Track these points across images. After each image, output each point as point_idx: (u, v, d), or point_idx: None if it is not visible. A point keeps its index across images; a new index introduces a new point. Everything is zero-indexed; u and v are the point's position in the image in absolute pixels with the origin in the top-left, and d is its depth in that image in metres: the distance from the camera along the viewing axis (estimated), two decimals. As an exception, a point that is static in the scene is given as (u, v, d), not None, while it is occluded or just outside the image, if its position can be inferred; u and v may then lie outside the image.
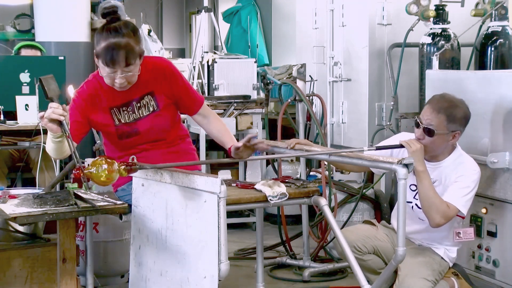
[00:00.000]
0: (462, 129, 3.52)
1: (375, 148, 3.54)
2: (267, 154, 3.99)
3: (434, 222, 3.41)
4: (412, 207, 3.58)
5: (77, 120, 3.37)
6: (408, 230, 3.46)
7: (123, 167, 3.06)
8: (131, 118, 3.46)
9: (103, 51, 3.21)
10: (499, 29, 4.58)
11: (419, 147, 3.44)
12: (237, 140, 5.99)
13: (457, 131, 3.49)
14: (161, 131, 3.51)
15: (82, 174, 2.99)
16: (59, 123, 3.08)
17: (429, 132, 3.47)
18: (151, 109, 3.46)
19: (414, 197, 3.57)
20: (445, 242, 3.59)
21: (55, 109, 3.05)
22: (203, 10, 6.80)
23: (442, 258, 3.56)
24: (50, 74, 3.13)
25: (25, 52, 5.40)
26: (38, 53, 5.44)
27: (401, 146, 3.51)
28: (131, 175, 3.36)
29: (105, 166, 3.01)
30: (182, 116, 5.64)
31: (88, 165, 3.04)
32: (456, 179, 3.48)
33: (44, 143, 4.62)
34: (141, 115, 3.46)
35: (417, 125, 3.53)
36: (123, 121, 3.45)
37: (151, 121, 3.46)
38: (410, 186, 3.52)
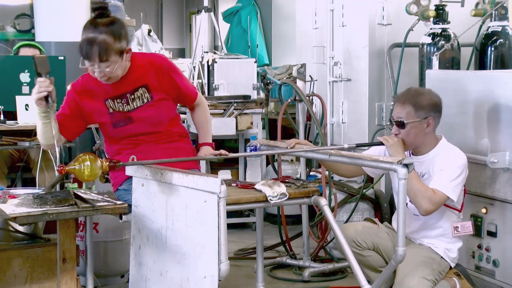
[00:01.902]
0: (434, 114, 3.56)
1: (355, 145, 3.56)
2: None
3: (422, 208, 3.44)
4: (406, 204, 3.59)
5: (65, 113, 3.50)
6: (407, 230, 3.47)
7: (106, 163, 3.11)
8: (125, 109, 3.53)
9: (80, 44, 3.34)
10: (499, 29, 4.58)
11: (396, 140, 3.51)
12: (236, 140, 6.05)
13: (428, 117, 3.54)
14: (156, 122, 3.55)
15: (65, 171, 3.05)
16: (46, 98, 3.23)
17: (400, 124, 3.54)
18: (145, 100, 3.53)
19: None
20: (444, 239, 3.59)
21: (41, 83, 3.21)
22: (203, 10, 6.81)
23: (442, 257, 3.56)
24: (45, 55, 3.31)
25: (24, 52, 5.39)
26: (38, 53, 5.43)
27: (380, 143, 3.58)
28: (127, 174, 3.40)
29: (88, 162, 3.07)
30: (182, 116, 5.68)
31: (72, 161, 3.09)
32: (442, 167, 3.51)
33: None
34: (135, 106, 3.52)
35: (391, 123, 3.62)
36: (117, 110, 3.52)
37: (144, 110, 3.52)
38: None
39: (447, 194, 3.44)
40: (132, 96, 3.51)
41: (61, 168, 3.05)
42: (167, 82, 3.54)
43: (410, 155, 3.65)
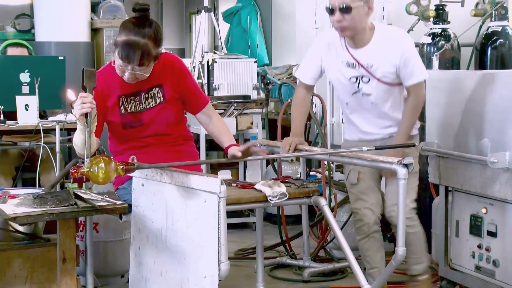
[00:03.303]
0: None
1: (374, 148, 3.56)
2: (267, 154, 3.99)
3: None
4: (362, 93, 3.68)
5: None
6: (378, 136, 3.67)
7: (120, 166, 3.04)
8: (137, 109, 3.51)
9: (121, 44, 3.27)
10: (499, 29, 4.59)
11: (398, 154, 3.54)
12: (236, 140, 6.05)
13: (369, 0, 3.57)
14: (165, 124, 3.53)
15: (78, 173, 2.97)
16: (85, 114, 3.11)
17: (346, 9, 3.52)
18: (157, 101, 3.51)
19: (356, 84, 3.69)
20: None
21: (84, 98, 3.09)
22: (203, 10, 6.80)
23: (416, 135, 3.82)
24: (94, 69, 3.23)
25: (12, 51, 5.31)
26: (25, 52, 5.37)
27: (398, 146, 3.60)
28: (129, 174, 3.38)
29: (102, 165, 2.97)
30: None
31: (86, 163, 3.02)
32: (401, 61, 3.59)
33: (45, 143, 4.66)
34: (148, 107, 3.51)
35: (332, 12, 3.57)
36: (129, 111, 3.50)
37: (156, 112, 3.51)
38: (350, 79, 3.66)
39: (425, 77, 3.65)
40: (146, 95, 3.50)
41: (75, 170, 2.96)
42: (176, 80, 3.52)
43: (347, 49, 3.67)
